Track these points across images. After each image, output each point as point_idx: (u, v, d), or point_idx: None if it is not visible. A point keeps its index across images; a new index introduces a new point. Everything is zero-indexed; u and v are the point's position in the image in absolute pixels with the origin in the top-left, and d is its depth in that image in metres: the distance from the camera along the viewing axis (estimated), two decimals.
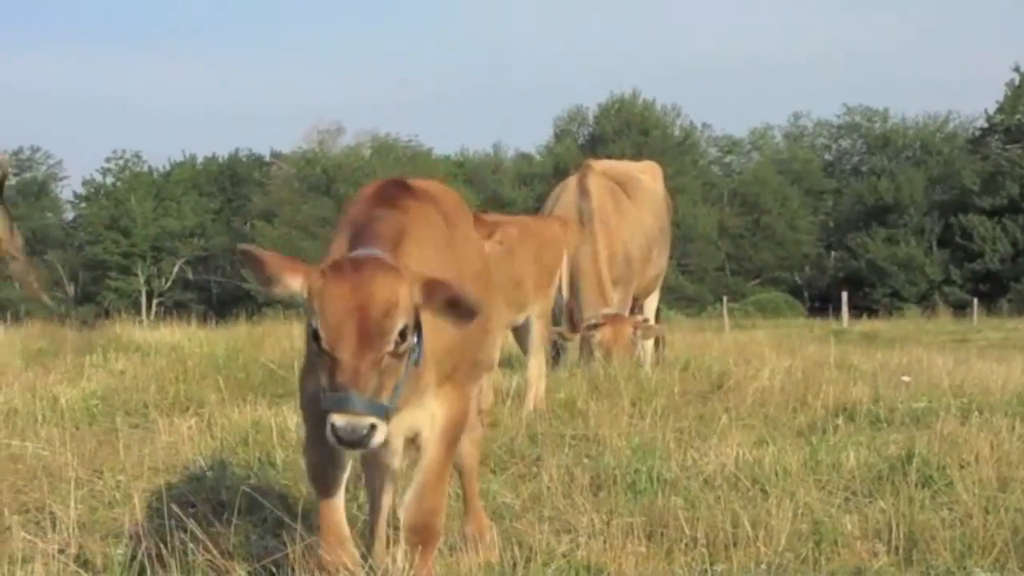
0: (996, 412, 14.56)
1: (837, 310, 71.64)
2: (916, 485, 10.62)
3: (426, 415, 7.57)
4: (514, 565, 8.42)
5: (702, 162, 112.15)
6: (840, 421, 15.05)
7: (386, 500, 10.75)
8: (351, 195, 11.35)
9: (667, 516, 9.66)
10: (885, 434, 13.95)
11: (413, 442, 7.83)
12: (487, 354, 9.26)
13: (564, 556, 8.81)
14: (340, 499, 8.17)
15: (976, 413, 14.49)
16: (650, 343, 19.39)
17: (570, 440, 13.25)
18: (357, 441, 6.24)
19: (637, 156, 27.16)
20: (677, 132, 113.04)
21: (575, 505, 10.21)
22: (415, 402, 7.43)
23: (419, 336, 6.80)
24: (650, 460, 12.02)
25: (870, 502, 10.20)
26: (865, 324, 57.18)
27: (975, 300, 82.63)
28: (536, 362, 15.21)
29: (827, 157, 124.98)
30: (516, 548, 8.81)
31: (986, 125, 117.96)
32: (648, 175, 19.16)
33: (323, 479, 7.72)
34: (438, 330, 7.21)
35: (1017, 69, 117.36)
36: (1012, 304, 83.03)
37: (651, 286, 19.04)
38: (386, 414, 6.49)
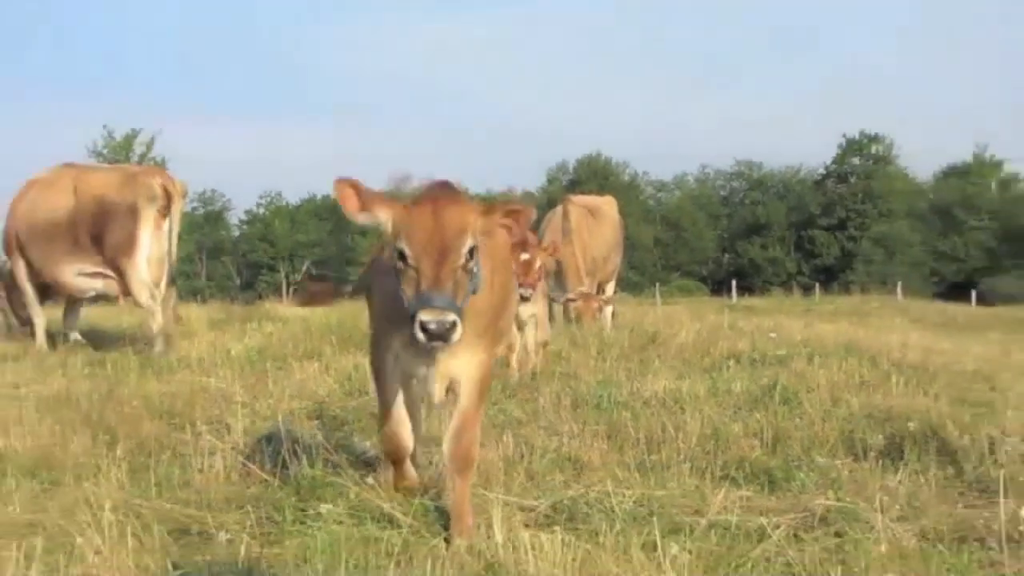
0: (829, 356, 14.62)
1: (729, 292, 71.25)
2: (779, 403, 10.86)
3: (463, 366, 6.82)
4: (521, 457, 8.55)
5: (642, 197, 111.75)
6: (731, 363, 15.08)
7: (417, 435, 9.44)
8: None
9: (620, 425, 9.88)
10: (759, 371, 13.75)
11: (451, 390, 7.02)
12: (508, 324, 8.27)
13: (554, 451, 8.95)
14: (404, 423, 7.49)
15: (817, 357, 14.52)
16: (609, 312, 19.57)
17: (558, 376, 13.31)
18: (442, 333, 5.59)
19: (601, 193, 26.77)
20: (626, 177, 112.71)
21: (561, 418, 10.44)
22: (458, 351, 6.58)
23: (477, 263, 6.22)
24: (609, 388, 12.20)
25: (750, 414, 10.35)
26: (747, 301, 56.32)
27: (816, 285, 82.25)
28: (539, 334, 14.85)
29: (723, 193, 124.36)
30: (523, 446, 8.95)
31: (824, 172, 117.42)
32: (608, 206, 19.69)
33: (390, 425, 7.10)
34: (479, 293, 6.49)
35: (844, 135, 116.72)
36: (840, 287, 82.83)
37: (610, 277, 19.47)
38: (461, 314, 5.84)
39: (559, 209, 18.16)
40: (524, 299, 13.55)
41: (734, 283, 79.22)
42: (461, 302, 5.87)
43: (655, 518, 6.62)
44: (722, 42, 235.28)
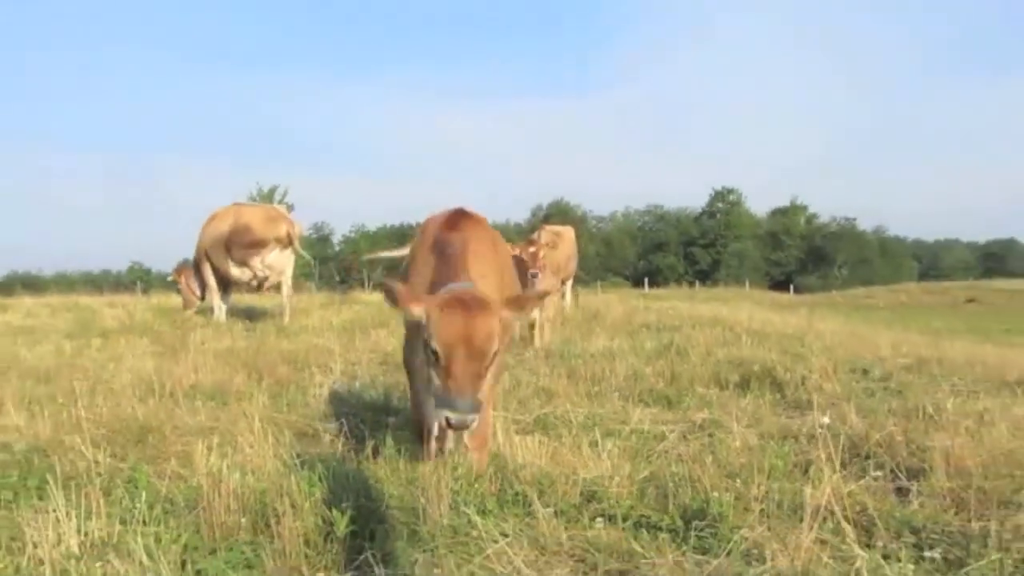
0: (704, 326, 14.54)
1: (643, 286, 70.88)
2: (674, 354, 10.74)
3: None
4: (514, 388, 8.48)
5: (589, 225, 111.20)
6: (644, 330, 15.00)
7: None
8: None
9: (575, 368, 9.80)
10: (662, 335, 13.68)
11: None
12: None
13: (534, 385, 8.88)
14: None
15: (697, 326, 14.45)
16: (569, 297, 19.42)
17: (540, 339, 13.37)
18: (463, 428, 4.45)
19: (563, 223, 26.31)
20: (579, 213, 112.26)
21: (538, 364, 10.27)
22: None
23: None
24: (569, 346, 12.13)
25: (656, 361, 10.26)
26: (654, 292, 55.99)
27: (697, 282, 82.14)
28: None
29: (638, 224, 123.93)
30: (514, 382, 8.91)
31: (701, 211, 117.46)
32: (568, 231, 19.25)
33: (417, 413, 5.89)
34: (500, 295, 5.27)
35: (713, 188, 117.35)
36: (711, 283, 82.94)
37: (569, 276, 19.10)
38: (481, 406, 4.58)
39: (536, 235, 18.00)
40: (534, 277, 13.41)
41: (646, 280, 79.28)
42: (482, 393, 4.55)
43: (597, 427, 6.56)
44: (640, 126, 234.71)
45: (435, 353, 4.51)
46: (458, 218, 5.79)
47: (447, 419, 4.39)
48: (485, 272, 5.41)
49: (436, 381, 4.56)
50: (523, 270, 13.19)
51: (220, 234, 17.28)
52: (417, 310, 4.66)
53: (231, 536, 4.28)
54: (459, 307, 4.52)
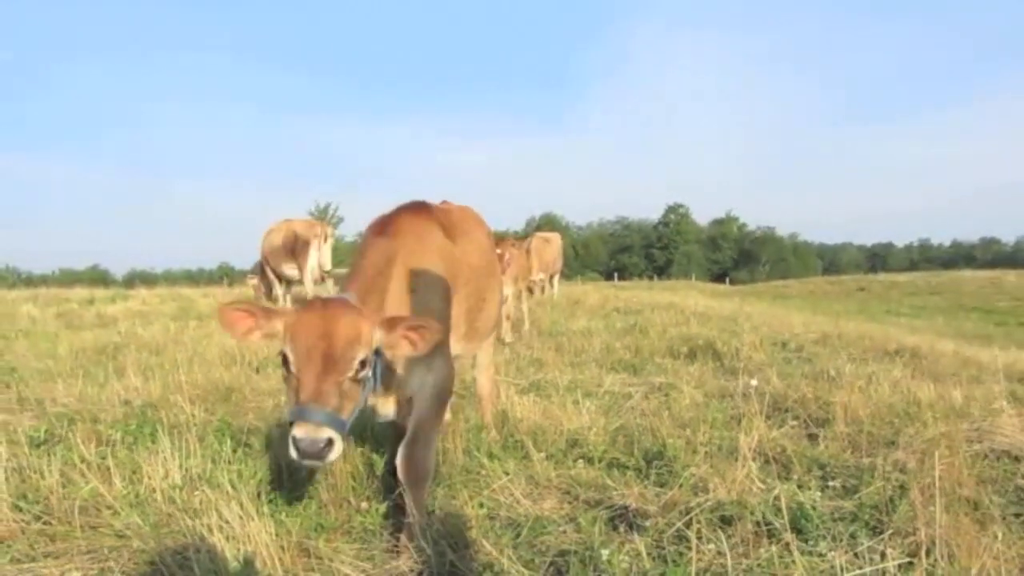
0: (661, 309, 14.50)
1: (613, 279, 70.60)
2: (638, 332, 10.71)
3: (416, 382, 3.83)
4: (514, 359, 8.40)
5: (571, 232, 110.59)
6: (615, 312, 14.94)
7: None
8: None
9: (562, 343, 9.75)
10: (629, 317, 13.55)
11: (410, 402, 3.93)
12: (484, 324, 4.84)
13: (529, 356, 8.84)
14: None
15: (655, 310, 14.40)
16: (557, 288, 19.28)
17: (531, 320, 13.22)
18: (315, 454, 3.01)
19: (552, 230, 26.20)
20: (564, 223, 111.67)
21: (533, 340, 10.23)
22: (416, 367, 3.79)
23: (375, 369, 3.39)
24: (557, 325, 12.03)
25: (624, 337, 10.22)
26: (621, 284, 55.92)
27: (655, 276, 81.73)
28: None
29: (609, 231, 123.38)
30: (514, 354, 8.82)
31: (657, 221, 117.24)
32: (555, 237, 19.07)
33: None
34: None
35: (667, 204, 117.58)
36: (666, 277, 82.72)
37: (556, 273, 18.92)
38: (344, 428, 3.15)
39: (530, 238, 17.80)
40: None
41: (615, 275, 79.06)
42: (347, 416, 3.13)
43: (578, 389, 6.52)
44: (625, 151, 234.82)
45: (288, 363, 3.13)
46: (390, 221, 4.08)
47: (293, 440, 2.94)
48: (398, 288, 3.78)
49: (290, 399, 3.15)
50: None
51: (274, 244, 17.30)
52: (278, 323, 3.22)
53: (295, 473, 4.25)
54: (315, 311, 3.18)
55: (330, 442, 2.98)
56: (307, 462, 2.99)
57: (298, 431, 2.95)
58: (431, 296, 3.90)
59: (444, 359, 3.93)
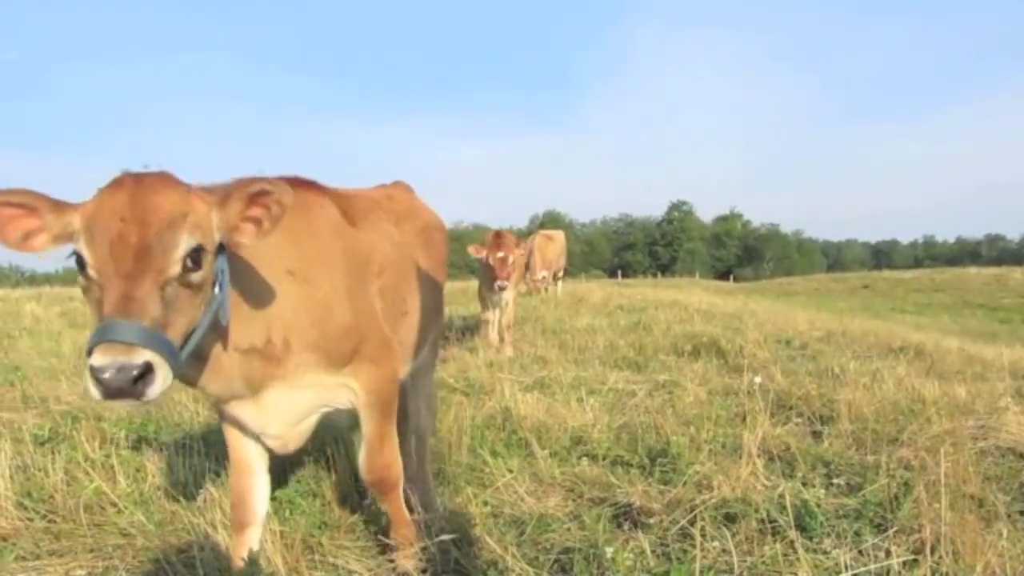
0: (665, 307, 14.48)
1: (616, 277, 70.33)
2: (641, 329, 10.71)
3: (340, 391, 3.02)
4: (518, 356, 8.39)
5: (575, 230, 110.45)
6: (618, 310, 14.92)
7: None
8: None
9: (565, 340, 9.74)
10: (633, 314, 13.49)
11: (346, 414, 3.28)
12: (407, 336, 3.61)
13: (533, 354, 8.84)
14: None
15: (659, 307, 14.38)
16: (560, 285, 19.22)
17: (535, 318, 13.21)
18: (124, 387, 1.98)
19: (556, 228, 25.85)
20: (567, 220, 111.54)
21: (536, 337, 10.21)
22: (309, 381, 2.88)
23: (222, 283, 2.41)
24: (561, 323, 12.02)
25: (629, 335, 10.21)
26: (626, 282, 55.89)
27: (659, 273, 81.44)
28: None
29: (613, 228, 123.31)
30: (518, 351, 8.81)
31: (661, 218, 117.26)
32: (559, 234, 18.90)
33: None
34: (326, 312, 2.87)
35: (671, 201, 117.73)
36: (670, 274, 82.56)
37: (559, 271, 18.79)
38: (173, 354, 2.12)
39: (534, 236, 17.71)
40: (501, 288, 9.82)
41: (619, 272, 78.91)
42: (176, 335, 2.18)
43: (582, 386, 6.53)
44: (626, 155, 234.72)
45: (84, 266, 2.17)
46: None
47: (92, 371, 2.00)
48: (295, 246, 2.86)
49: (93, 308, 2.16)
50: (489, 276, 9.97)
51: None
52: (75, 217, 2.21)
53: (300, 471, 4.26)
54: (120, 186, 2.24)
55: (148, 369, 2.04)
56: (116, 402, 2.06)
57: (98, 357, 2.01)
58: (324, 272, 2.96)
59: (373, 361, 3.10)
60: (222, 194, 2.39)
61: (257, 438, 3.05)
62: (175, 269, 2.19)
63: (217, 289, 2.41)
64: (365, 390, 3.08)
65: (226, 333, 2.57)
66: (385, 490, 3.30)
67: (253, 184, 2.38)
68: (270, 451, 3.12)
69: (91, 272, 2.14)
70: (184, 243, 2.21)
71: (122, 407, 2.21)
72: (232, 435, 3.08)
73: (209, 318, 2.38)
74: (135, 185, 2.23)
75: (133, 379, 2.01)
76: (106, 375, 1.99)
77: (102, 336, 2.02)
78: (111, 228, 2.13)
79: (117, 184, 2.25)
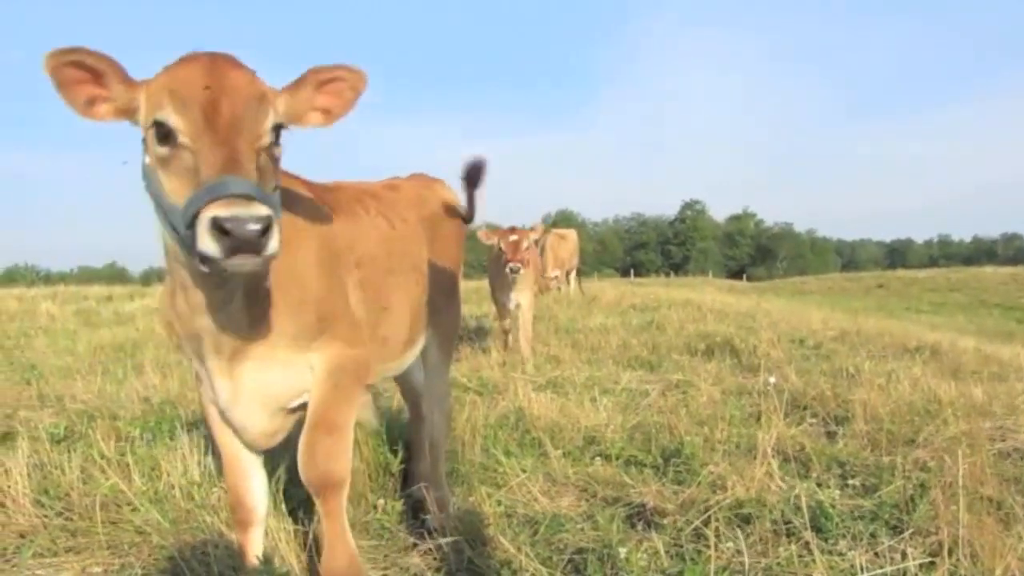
0: (678, 306, 14.43)
1: (629, 276, 70.08)
2: (654, 329, 10.68)
3: (302, 367, 2.73)
4: (530, 356, 8.36)
5: (587, 229, 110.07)
6: (631, 309, 14.88)
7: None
8: None
9: (578, 340, 9.74)
10: (645, 314, 13.43)
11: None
12: (394, 333, 3.38)
13: (546, 354, 8.82)
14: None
15: (672, 307, 14.36)
16: (574, 284, 19.09)
17: (549, 317, 13.18)
18: (251, 239, 1.92)
19: (568, 227, 25.77)
20: (580, 219, 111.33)
21: (549, 337, 10.19)
22: (273, 356, 2.64)
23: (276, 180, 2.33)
24: (573, 322, 11.98)
25: (642, 334, 10.18)
26: (638, 280, 55.70)
27: (671, 272, 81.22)
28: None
29: (625, 227, 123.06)
30: (532, 351, 8.77)
31: (674, 217, 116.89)
32: (571, 233, 18.65)
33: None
34: (296, 280, 2.68)
35: (683, 200, 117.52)
36: (683, 273, 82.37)
37: (572, 269, 18.57)
38: (278, 219, 2.06)
39: (547, 235, 17.59)
40: (514, 272, 8.67)
41: (632, 271, 78.84)
42: (264, 186, 2.14)
43: (595, 386, 6.51)
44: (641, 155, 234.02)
45: (172, 136, 2.11)
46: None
47: (216, 222, 1.93)
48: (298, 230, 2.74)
49: (183, 186, 2.08)
50: (501, 266, 8.92)
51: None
52: (133, 89, 2.22)
53: None
54: (199, 60, 2.21)
55: (270, 221, 1.98)
56: (236, 260, 1.97)
57: (222, 208, 1.94)
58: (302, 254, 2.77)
59: (340, 339, 2.84)
60: (292, 83, 2.39)
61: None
62: (266, 139, 2.22)
63: (281, 154, 2.39)
64: (325, 362, 2.78)
65: None
66: (325, 491, 2.81)
67: (324, 71, 2.40)
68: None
69: (183, 139, 2.11)
70: (271, 115, 2.25)
71: (240, 264, 1.98)
72: (222, 435, 2.93)
73: (277, 200, 2.33)
74: (214, 60, 2.23)
75: (260, 230, 1.96)
76: (236, 225, 1.93)
77: (217, 192, 1.98)
78: (203, 95, 2.12)
79: (195, 59, 2.23)
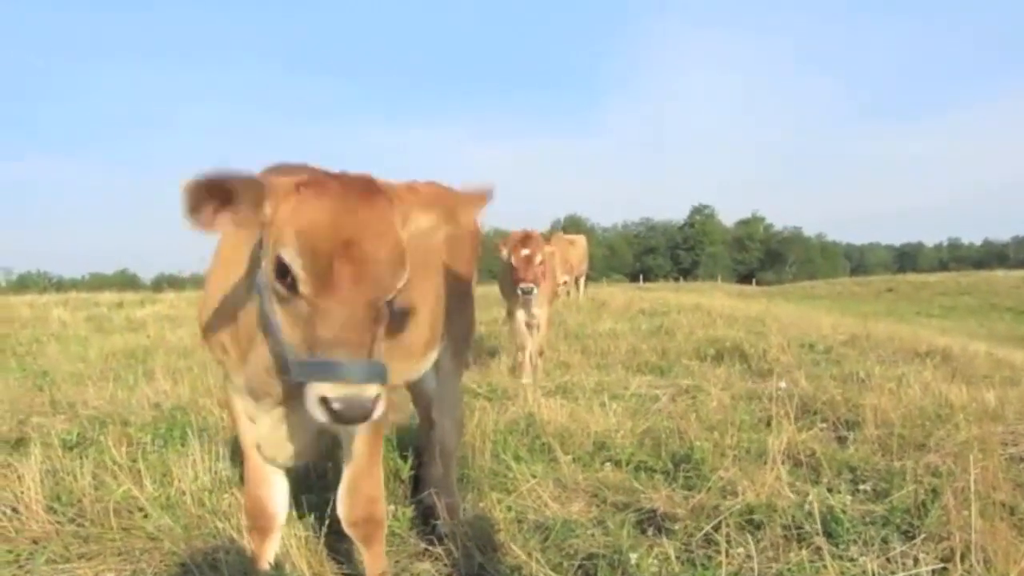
0: (687, 311, 14.39)
1: (639, 281, 69.87)
2: (664, 333, 10.67)
3: None
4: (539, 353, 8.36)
5: (596, 234, 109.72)
6: (640, 315, 14.85)
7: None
8: None
9: (588, 345, 9.74)
10: (655, 319, 13.47)
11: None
12: (416, 338, 3.27)
13: (556, 359, 8.80)
14: None
15: (681, 312, 14.32)
16: (583, 289, 19.07)
17: (558, 322, 13.12)
18: (361, 416, 1.95)
19: (577, 232, 25.78)
20: (589, 224, 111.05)
21: (558, 342, 10.17)
22: None
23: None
24: (582, 328, 11.96)
25: (652, 339, 10.18)
26: (647, 286, 55.57)
27: (680, 277, 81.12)
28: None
29: (635, 233, 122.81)
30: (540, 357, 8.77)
31: (683, 222, 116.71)
32: (580, 239, 18.63)
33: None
34: None
35: (692, 205, 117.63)
36: (692, 278, 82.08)
37: (581, 275, 18.55)
38: (386, 379, 2.02)
39: (555, 238, 17.55)
40: (526, 294, 7.46)
41: (641, 277, 78.61)
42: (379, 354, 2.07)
43: (605, 391, 6.50)
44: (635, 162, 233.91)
45: (289, 278, 2.00)
46: None
47: (326, 403, 1.94)
48: None
49: (295, 334, 2.04)
50: (513, 279, 7.66)
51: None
52: (262, 205, 2.06)
53: (322, 476, 4.26)
54: (338, 197, 2.04)
55: (376, 400, 1.98)
56: (347, 427, 2.17)
57: (332, 391, 1.94)
58: None
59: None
60: (403, 191, 2.24)
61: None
62: (392, 294, 2.11)
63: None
64: None
65: None
66: (371, 533, 2.80)
67: (464, 196, 2.33)
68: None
69: (304, 289, 1.99)
70: (405, 270, 2.10)
71: (347, 427, 2.14)
72: (249, 441, 2.84)
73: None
74: (347, 199, 2.04)
75: (368, 410, 1.96)
76: (343, 407, 1.94)
77: (329, 374, 1.94)
78: (332, 249, 1.97)
79: (329, 193, 2.06)
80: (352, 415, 1.95)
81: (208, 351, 2.76)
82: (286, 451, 2.76)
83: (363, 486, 2.76)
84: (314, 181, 2.09)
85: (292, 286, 2.01)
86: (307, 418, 2.28)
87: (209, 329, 2.68)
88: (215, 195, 2.01)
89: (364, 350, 1.98)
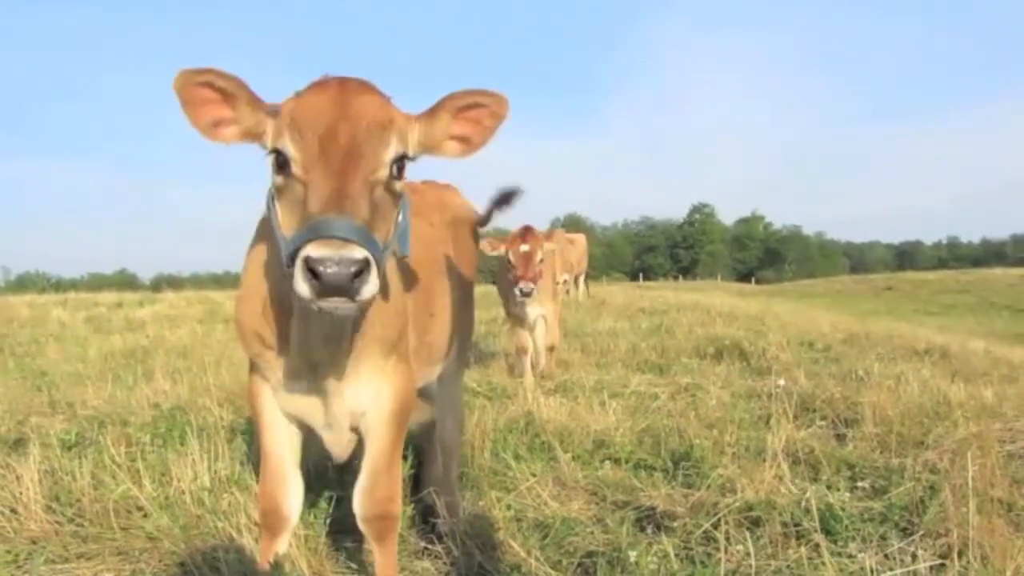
0: (687, 310, 14.40)
1: (638, 279, 69.92)
2: (663, 332, 10.67)
3: (370, 392, 2.63)
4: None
5: (596, 233, 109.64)
6: (640, 313, 14.86)
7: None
8: None
9: (587, 344, 9.75)
10: (655, 317, 13.50)
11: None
12: (439, 339, 3.37)
13: (556, 358, 8.78)
14: None
15: (681, 310, 14.32)
16: (583, 288, 19.07)
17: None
18: (343, 283, 1.84)
19: (577, 231, 25.67)
20: (588, 223, 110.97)
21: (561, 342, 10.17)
22: (357, 372, 2.56)
23: (405, 211, 2.40)
24: (583, 327, 11.96)
25: (650, 337, 10.19)
26: (647, 284, 55.51)
27: (680, 276, 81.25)
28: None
29: (634, 231, 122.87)
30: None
31: (682, 221, 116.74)
32: (580, 238, 18.64)
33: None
34: (393, 297, 2.62)
35: (692, 204, 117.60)
36: (691, 276, 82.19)
37: (581, 273, 18.60)
38: (380, 260, 1.97)
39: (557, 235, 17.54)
40: (525, 295, 7.07)
41: (640, 275, 78.63)
42: (384, 246, 2.07)
43: (605, 390, 6.50)
44: (650, 164, 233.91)
45: (287, 165, 2.06)
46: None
47: (310, 265, 1.86)
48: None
49: (292, 218, 2.05)
50: (510, 280, 7.28)
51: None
52: (260, 112, 2.17)
53: (323, 475, 4.26)
54: (327, 87, 2.15)
55: (366, 265, 1.90)
56: (327, 303, 1.91)
57: (315, 249, 1.87)
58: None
59: (404, 363, 2.81)
60: (428, 110, 2.29)
61: (304, 442, 2.89)
62: (384, 172, 2.11)
63: (400, 216, 2.30)
64: (391, 400, 2.71)
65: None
66: (385, 531, 2.79)
67: (462, 97, 2.28)
68: (303, 459, 2.96)
69: (296, 169, 2.05)
70: (393, 146, 2.12)
71: (332, 308, 1.92)
72: (270, 440, 2.82)
73: (395, 241, 2.28)
74: (342, 86, 2.15)
75: (352, 274, 1.88)
76: (326, 268, 1.86)
77: (317, 232, 1.90)
78: (321, 125, 2.04)
79: (323, 85, 2.17)
80: (336, 275, 1.86)
81: (244, 349, 2.80)
82: (345, 437, 2.77)
83: (381, 483, 2.75)
84: (313, 85, 2.20)
85: (288, 171, 2.07)
86: (338, 402, 2.54)
87: (246, 319, 2.69)
88: (214, 95, 2.13)
89: (354, 214, 1.95)
